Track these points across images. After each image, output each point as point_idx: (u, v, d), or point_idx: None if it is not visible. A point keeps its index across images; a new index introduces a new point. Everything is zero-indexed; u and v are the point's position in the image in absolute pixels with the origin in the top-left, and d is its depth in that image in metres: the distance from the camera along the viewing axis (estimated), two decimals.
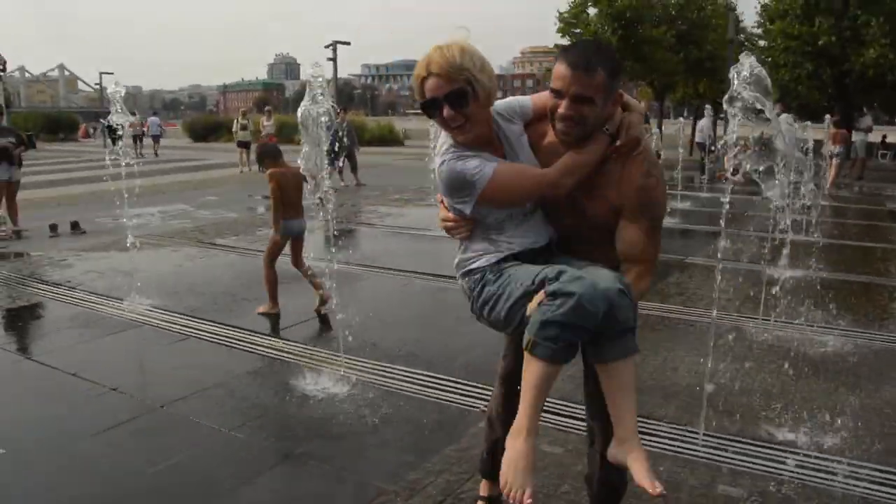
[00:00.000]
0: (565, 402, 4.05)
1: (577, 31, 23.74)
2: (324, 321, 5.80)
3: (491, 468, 2.75)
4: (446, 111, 2.15)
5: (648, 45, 23.51)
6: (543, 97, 2.32)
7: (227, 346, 5.23)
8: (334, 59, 29.29)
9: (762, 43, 22.48)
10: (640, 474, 2.05)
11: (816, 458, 3.50)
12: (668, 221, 7.34)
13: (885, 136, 32.39)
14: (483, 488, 2.93)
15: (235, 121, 21.53)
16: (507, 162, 2.27)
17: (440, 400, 4.20)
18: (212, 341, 5.32)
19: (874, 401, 4.21)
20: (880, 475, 3.34)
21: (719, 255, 4.09)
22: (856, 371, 4.69)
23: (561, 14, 24.38)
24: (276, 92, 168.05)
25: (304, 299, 6.09)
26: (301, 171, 5.10)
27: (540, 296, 2.02)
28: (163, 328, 5.61)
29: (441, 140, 2.31)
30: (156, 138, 29.13)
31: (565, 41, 25.11)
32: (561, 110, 2.13)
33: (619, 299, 2.00)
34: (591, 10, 24.27)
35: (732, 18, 22.32)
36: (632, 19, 23.45)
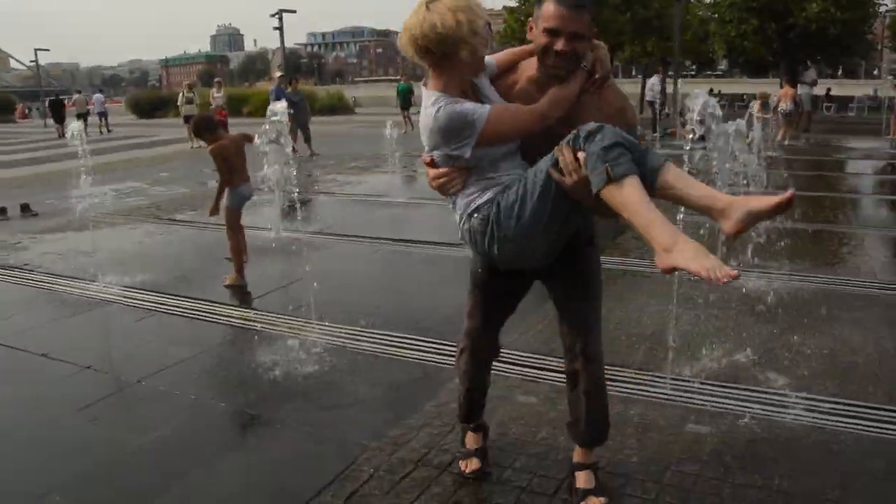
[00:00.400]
0: (533, 355, 4.20)
1: None
2: (294, 290, 5.81)
3: (468, 415, 3.06)
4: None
5: (595, 5, 23.55)
6: (505, 54, 2.59)
7: (197, 318, 5.24)
8: (280, 28, 28.64)
9: (708, 0, 22.74)
10: (764, 202, 2.00)
11: (775, 394, 3.70)
12: None
13: (829, 90, 33.32)
14: (469, 441, 3.10)
15: (181, 94, 21.02)
16: (496, 103, 2.42)
17: (415, 359, 4.29)
18: (181, 315, 5.31)
19: (826, 339, 4.44)
20: (832, 406, 3.56)
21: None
22: (809, 312, 4.92)
23: None
24: (220, 64, 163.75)
25: (271, 268, 6.11)
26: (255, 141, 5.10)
27: (571, 153, 2.15)
28: (130, 305, 5.57)
29: (426, 95, 2.39)
30: (102, 115, 28.63)
31: (513, 2, 25.10)
32: (558, 47, 2.29)
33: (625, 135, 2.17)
34: None
35: None
36: None
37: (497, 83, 2.52)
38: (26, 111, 49.50)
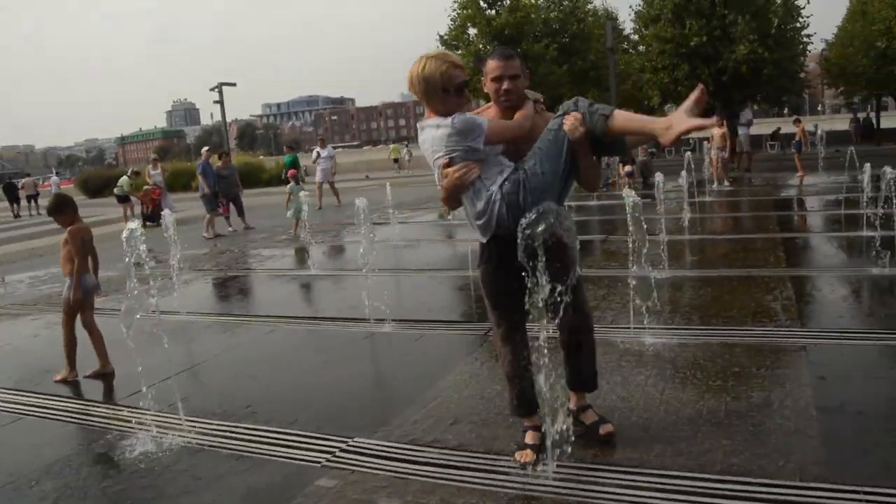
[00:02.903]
0: (409, 447, 3.81)
1: (459, 52, 23.96)
2: (177, 381, 5.35)
3: (523, 410, 3.57)
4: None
5: (532, 60, 23.89)
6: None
7: (64, 420, 4.78)
8: (221, 102, 28.52)
9: (641, 48, 23.12)
10: (685, 106, 3.06)
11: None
12: None
13: (778, 129, 33.90)
14: (525, 421, 3.60)
15: (125, 175, 20.64)
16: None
17: (281, 458, 3.84)
18: (48, 418, 4.84)
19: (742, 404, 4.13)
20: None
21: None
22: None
23: (441, 36, 24.57)
24: (177, 139, 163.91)
25: (157, 356, 5.65)
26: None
27: (573, 117, 3.20)
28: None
29: (429, 122, 3.26)
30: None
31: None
32: (504, 86, 3.30)
33: None
34: (472, 31, 24.57)
35: (609, 27, 22.90)
36: (511, 36, 23.81)
37: None
38: None
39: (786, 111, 74.06)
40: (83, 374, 5.64)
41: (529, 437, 3.56)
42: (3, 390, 5.52)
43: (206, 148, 17.60)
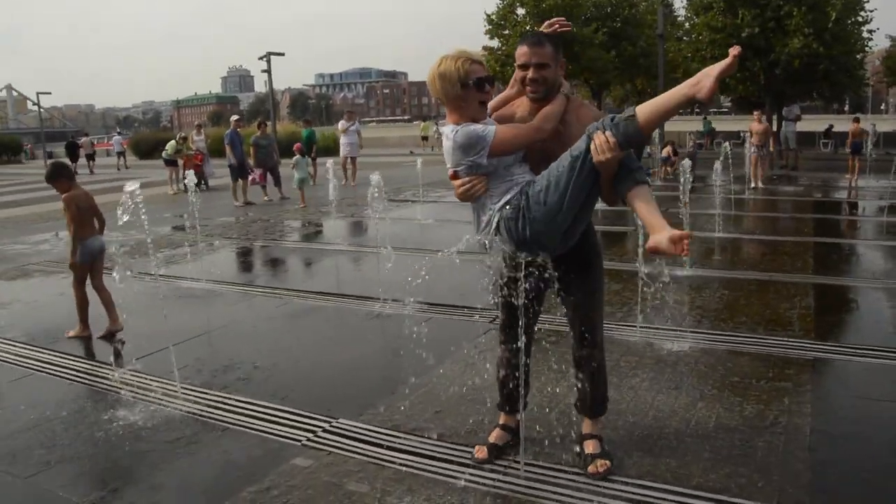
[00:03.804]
0: (391, 432, 3.81)
1: (506, 31, 23.64)
2: (178, 349, 5.45)
3: (504, 402, 3.53)
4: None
5: (580, 44, 23.46)
6: (496, 99, 3.33)
7: (69, 379, 4.91)
8: (269, 71, 28.71)
9: (694, 37, 22.50)
10: (671, 232, 2.73)
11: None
12: None
13: (831, 126, 32.77)
14: (501, 418, 3.58)
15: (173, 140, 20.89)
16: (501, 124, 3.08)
17: (265, 433, 3.90)
18: (55, 375, 4.99)
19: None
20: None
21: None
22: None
23: (489, 16, 24.25)
24: (230, 105, 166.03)
25: (167, 323, 5.76)
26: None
27: (603, 136, 2.76)
28: (11, 363, 5.28)
29: (444, 128, 3.04)
30: (120, 155, 32.64)
31: (494, 43, 25.09)
32: (530, 75, 3.05)
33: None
34: (520, 11, 24.22)
35: (661, 13, 22.34)
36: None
37: (496, 117, 3.21)
38: (34, 152, 50.86)
39: (846, 108, 71.74)
40: (97, 334, 5.86)
41: (493, 435, 3.53)
42: (20, 345, 5.70)
43: (234, 117, 17.75)
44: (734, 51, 2.62)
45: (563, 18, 3.35)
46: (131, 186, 4.41)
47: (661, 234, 2.75)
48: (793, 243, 9.18)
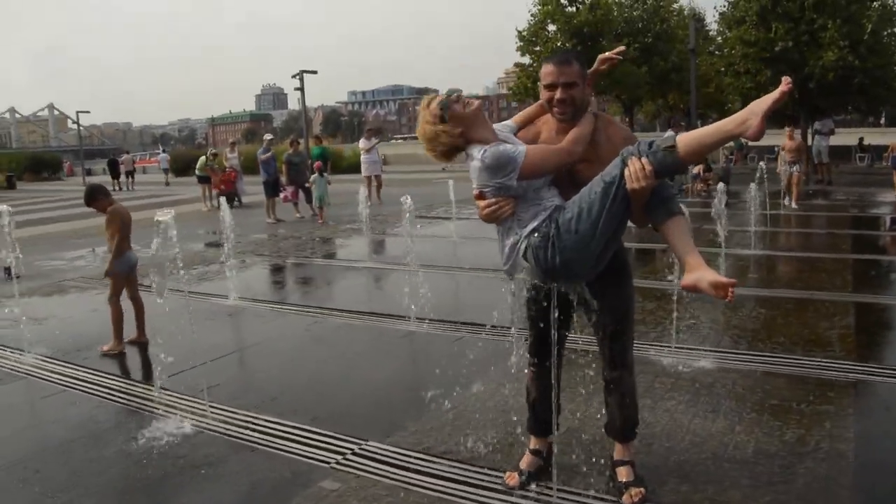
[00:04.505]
0: (422, 455, 3.74)
1: (537, 48, 23.65)
2: (208, 367, 5.46)
3: (534, 426, 3.44)
4: None
5: (583, 57, 23.31)
6: (521, 114, 3.29)
7: (98, 396, 4.95)
8: (301, 89, 29.05)
9: (726, 51, 22.28)
10: (716, 277, 2.61)
11: None
12: None
13: (861, 139, 32.20)
14: (532, 442, 3.49)
15: (203, 157, 21.19)
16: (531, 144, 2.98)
17: (293, 454, 3.86)
18: (88, 392, 5.03)
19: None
20: None
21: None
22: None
23: (520, 32, 24.29)
24: (264, 122, 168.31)
25: (199, 340, 5.79)
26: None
27: (639, 162, 2.63)
28: (43, 378, 5.34)
29: (472, 148, 2.89)
30: (166, 171, 35.16)
31: (525, 59, 25.06)
32: (557, 95, 2.92)
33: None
34: (551, 27, 24.22)
35: (692, 27, 22.15)
36: (590, 34, 23.37)
37: (520, 136, 3.11)
38: (74, 170, 52.40)
39: (882, 121, 70.24)
40: (126, 340, 6.03)
41: (524, 461, 3.45)
42: (54, 361, 5.76)
43: (268, 136, 17.99)
44: (786, 85, 2.49)
45: (619, 51, 3.29)
46: (163, 216, 4.47)
47: (700, 273, 2.65)
48: (832, 260, 8.98)
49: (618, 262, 3.10)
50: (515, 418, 3.94)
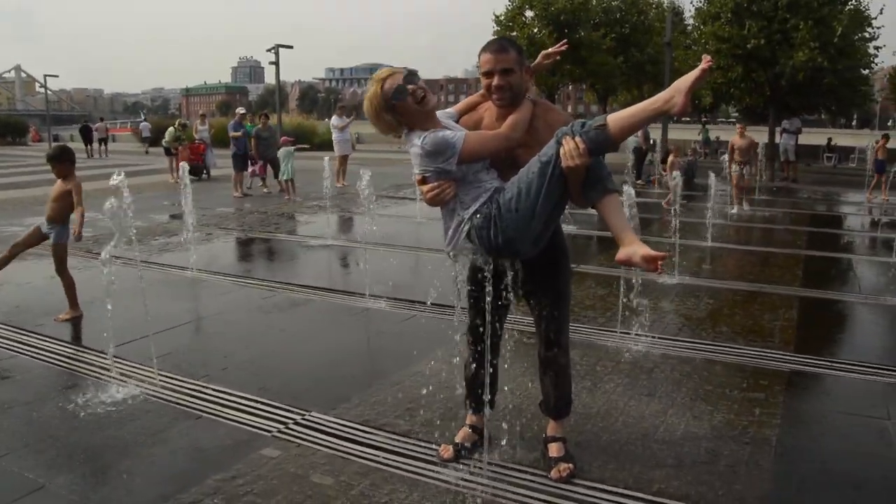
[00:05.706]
0: (361, 427, 3.83)
1: (514, 33, 23.64)
2: (160, 337, 5.49)
3: (471, 401, 3.57)
4: None
5: (587, 48, 23.48)
6: (463, 102, 3.38)
7: (49, 363, 4.95)
8: (277, 63, 28.75)
9: (699, 46, 22.45)
10: (647, 251, 2.77)
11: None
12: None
13: (830, 140, 32.82)
14: (468, 418, 3.63)
15: (171, 128, 20.87)
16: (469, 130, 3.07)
17: (236, 422, 3.94)
18: (38, 359, 5.02)
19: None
20: None
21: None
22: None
23: (497, 17, 24.28)
24: (239, 95, 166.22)
25: (153, 310, 5.81)
26: None
27: (573, 141, 2.73)
28: None
29: (412, 135, 2.95)
30: (146, 140, 34.90)
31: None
32: (494, 82, 3.00)
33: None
34: (528, 13, 24.23)
35: (669, 20, 22.30)
36: (567, 22, 23.42)
37: (463, 123, 3.21)
38: (41, 135, 51.09)
39: (853, 123, 71.44)
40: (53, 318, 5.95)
41: (460, 435, 3.58)
42: (5, 328, 5.73)
43: (240, 110, 17.77)
44: (706, 62, 2.61)
45: (561, 45, 3.49)
46: (116, 179, 4.48)
47: (633, 248, 2.80)
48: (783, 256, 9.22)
49: (556, 246, 3.22)
50: (458, 393, 4.05)
